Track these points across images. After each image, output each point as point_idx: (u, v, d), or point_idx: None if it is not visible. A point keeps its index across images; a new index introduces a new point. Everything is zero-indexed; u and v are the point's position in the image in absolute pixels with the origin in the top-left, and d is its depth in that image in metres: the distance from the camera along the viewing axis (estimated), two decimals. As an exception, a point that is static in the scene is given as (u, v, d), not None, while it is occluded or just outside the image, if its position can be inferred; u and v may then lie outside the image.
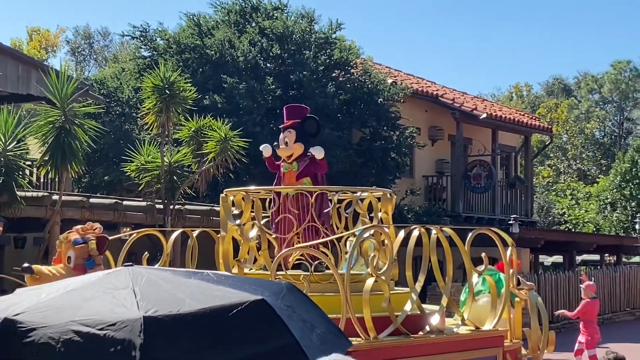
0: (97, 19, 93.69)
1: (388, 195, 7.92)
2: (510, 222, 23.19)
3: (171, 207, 16.44)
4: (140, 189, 17.00)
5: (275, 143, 8.31)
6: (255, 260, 7.77)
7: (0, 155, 13.63)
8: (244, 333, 3.49)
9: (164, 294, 3.53)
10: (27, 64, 18.96)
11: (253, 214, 7.82)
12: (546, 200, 49.03)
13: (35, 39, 53.11)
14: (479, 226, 8.53)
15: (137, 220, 16.02)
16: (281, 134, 8.21)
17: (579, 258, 37.13)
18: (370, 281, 6.70)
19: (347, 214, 8.12)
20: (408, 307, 6.93)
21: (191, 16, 23.76)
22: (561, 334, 24.36)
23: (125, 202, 16.57)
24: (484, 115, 27.50)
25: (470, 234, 7.71)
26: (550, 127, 35.68)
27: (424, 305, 7.43)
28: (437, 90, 28.60)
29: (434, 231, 7.22)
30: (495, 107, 32.15)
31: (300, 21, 23.15)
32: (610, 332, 16.09)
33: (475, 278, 7.90)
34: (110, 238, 7.28)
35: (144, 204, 16.86)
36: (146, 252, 8.25)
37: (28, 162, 15.53)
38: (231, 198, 7.70)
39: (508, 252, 7.85)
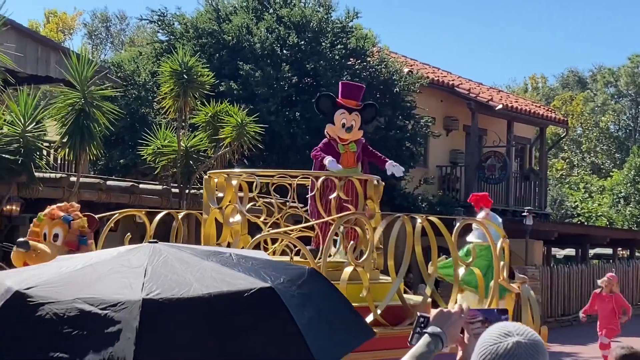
0: (115, 3, 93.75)
1: (375, 182, 7.77)
2: (524, 214, 23.19)
3: (187, 191, 16.53)
4: (156, 172, 17.08)
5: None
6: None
7: (20, 136, 13.66)
8: (244, 321, 3.36)
9: (174, 276, 3.44)
10: (47, 46, 19.00)
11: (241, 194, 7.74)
12: (559, 193, 48.94)
13: (52, 22, 53.19)
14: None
15: (152, 204, 16.06)
16: (341, 110, 7.98)
17: (591, 251, 37.10)
18: (348, 270, 6.56)
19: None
20: (387, 298, 6.71)
21: (209, 1, 23.78)
22: (565, 328, 24.40)
23: (141, 186, 16.65)
24: (500, 106, 27.46)
25: (457, 224, 7.56)
26: (565, 119, 35.55)
27: (409, 296, 7.28)
28: (452, 81, 28.58)
29: (419, 220, 7.03)
30: (511, 99, 32.08)
31: (318, 9, 23.13)
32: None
33: (462, 270, 7.76)
34: (97, 217, 7.30)
35: (159, 187, 16.94)
36: (128, 234, 8.18)
37: (46, 144, 15.61)
38: (215, 180, 7.61)
39: (498, 245, 7.62)
